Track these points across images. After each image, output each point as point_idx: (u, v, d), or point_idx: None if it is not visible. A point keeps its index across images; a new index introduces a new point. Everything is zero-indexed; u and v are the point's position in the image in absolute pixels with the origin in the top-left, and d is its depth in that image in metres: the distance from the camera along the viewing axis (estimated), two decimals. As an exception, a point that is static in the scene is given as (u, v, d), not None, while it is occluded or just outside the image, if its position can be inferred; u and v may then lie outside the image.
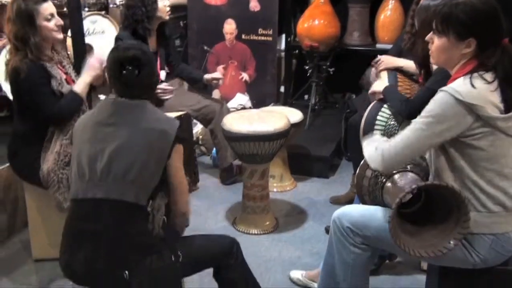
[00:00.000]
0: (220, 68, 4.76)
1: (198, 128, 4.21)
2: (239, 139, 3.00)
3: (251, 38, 4.63)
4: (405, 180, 2.10)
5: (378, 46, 4.37)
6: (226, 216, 3.40)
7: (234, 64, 4.73)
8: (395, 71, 3.03)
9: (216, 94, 4.82)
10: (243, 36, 4.66)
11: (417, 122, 1.89)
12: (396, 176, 2.13)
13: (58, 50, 2.74)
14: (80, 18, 3.24)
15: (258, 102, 4.62)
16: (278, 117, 3.12)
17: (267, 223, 3.23)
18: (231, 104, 4.56)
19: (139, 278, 1.84)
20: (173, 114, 3.39)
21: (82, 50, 3.17)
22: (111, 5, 4.68)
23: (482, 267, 1.95)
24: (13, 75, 2.50)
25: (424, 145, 1.89)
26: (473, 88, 1.83)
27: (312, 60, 4.41)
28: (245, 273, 2.19)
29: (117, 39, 3.49)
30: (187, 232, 3.14)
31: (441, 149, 1.93)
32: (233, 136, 3.02)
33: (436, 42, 1.96)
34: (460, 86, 1.84)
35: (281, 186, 3.74)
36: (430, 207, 2.05)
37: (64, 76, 2.64)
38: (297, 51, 4.74)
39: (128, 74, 1.91)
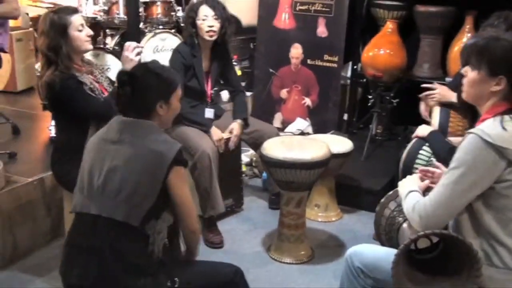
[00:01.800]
0: (284, 91, 4.75)
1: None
2: (275, 165, 2.96)
3: (316, 63, 4.59)
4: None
5: (448, 79, 4.17)
6: (263, 242, 3.36)
7: (298, 88, 4.71)
8: (448, 108, 2.89)
9: (278, 117, 4.82)
10: (308, 61, 4.63)
11: (449, 176, 1.77)
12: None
13: (88, 61, 2.86)
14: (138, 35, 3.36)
15: (319, 128, 4.56)
16: (319, 146, 3.05)
17: (302, 252, 3.15)
18: (289, 129, 4.54)
19: None
20: (221, 135, 3.44)
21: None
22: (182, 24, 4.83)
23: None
24: (48, 89, 2.63)
25: (461, 200, 1.77)
26: (504, 130, 1.70)
27: (375, 90, 4.29)
28: None
29: (175, 50, 3.56)
30: (217, 253, 3.18)
31: None
32: (269, 161, 2.99)
33: (468, 75, 1.86)
34: (489, 127, 1.73)
35: (326, 216, 3.64)
36: (446, 257, 1.92)
37: (96, 84, 2.74)
38: (363, 79, 4.63)
39: (122, 95, 1.97)
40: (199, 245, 2.17)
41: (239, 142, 3.61)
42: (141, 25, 4.78)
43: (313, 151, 2.96)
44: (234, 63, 4.98)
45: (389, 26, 4.19)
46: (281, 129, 4.67)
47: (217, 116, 3.69)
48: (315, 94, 4.64)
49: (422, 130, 2.66)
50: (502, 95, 1.79)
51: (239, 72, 5.10)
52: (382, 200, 2.16)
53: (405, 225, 2.01)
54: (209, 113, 3.61)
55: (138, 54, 2.77)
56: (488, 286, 1.77)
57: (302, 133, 4.43)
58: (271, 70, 4.74)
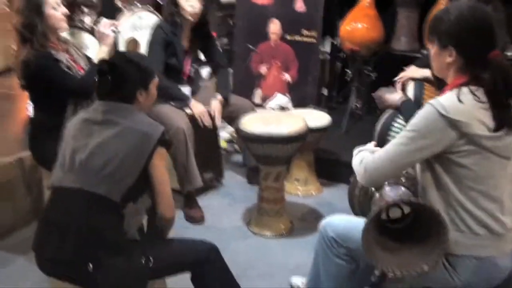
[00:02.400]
0: (263, 67, 4.75)
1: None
2: (252, 140, 2.99)
3: (295, 39, 4.58)
4: (394, 193, 2.02)
5: (424, 52, 4.20)
6: (243, 216, 3.41)
7: (277, 64, 4.70)
8: (422, 82, 2.92)
9: (258, 93, 4.81)
10: (287, 37, 4.62)
11: (400, 136, 1.82)
12: (387, 189, 2.05)
13: (64, 39, 2.85)
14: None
15: (299, 103, 4.56)
16: (296, 120, 3.08)
17: (281, 226, 3.20)
18: (269, 104, 4.55)
19: (104, 273, 1.86)
20: (202, 108, 3.45)
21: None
22: (162, 2, 4.79)
23: (465, 291, 1.84)
24: (24, 68, 2.62)
25: (406, 161, 1.82)
26: (460, 103, 1.74)
27: (354, 64, 4.32)
28: (223, 281, 2.16)
29: (157, 26, 3.55)
30: (198, 228, 3.22)
31: (427, 165, 1.85)
32: (247, 136, 3.02)
33: (430, 50, 1.89)
34: (446, 100, 1.76)
35: (306, 190, 3.69)
36: (417, 225, 1.97)
37: (72, 63, 2.74)
38: (342, 54, 4.65)
39: (102, 83, 2.00)
40: (170, 230, 2.17)
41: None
42: (119, 3, 4.75)
43: (290, 126, 2.99)
44: (213, 40, 4.98)
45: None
46: (261, 105, 4.69)
47: (193, 92, 3.70)
48: (295, 70, 4.64)
49: (394, 97, 2.65)
50: (458, 67, 1.80)
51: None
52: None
53: (377, 194, 2.05)
54: (185, 90, 3.62)
55: (114, 30, 2.76)
56: (453, 251, 1.82)
57: (282, 109, 4.45)
58: (250, 46, 4.72)
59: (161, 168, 2.00)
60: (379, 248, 1.88)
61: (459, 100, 1.74)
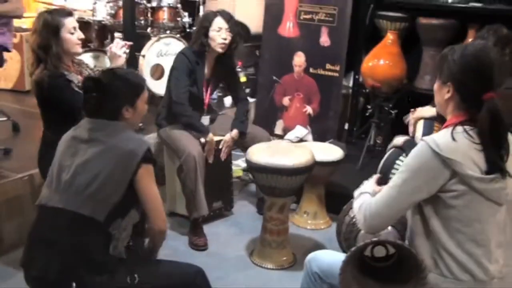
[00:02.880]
0: (286, 99, 4.78)
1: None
2: (257, 170, 3.00)
3: (319, 72, 4.61)
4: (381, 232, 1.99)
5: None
6: (247, 246, 3.39)
7: (300, 96, 4.73)
8: (432, 120, 2.88)
9: (279, 124, 4.84)
10: (311, 70, 4.65)
11: (395, 178, 1.80)
12: (373, 227, 2.02)
13: (78, 61, 2.94)
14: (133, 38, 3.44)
15: (320, 137, 4.57)
16: (303, 153, 3.07)
17: (283, 258, 3.17)
18: (288, 136, 4.56)
19: None
20: (216, 138, 3.49)
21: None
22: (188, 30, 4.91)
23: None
24: (37, 88, 2.72)
25: (404, 203, 1.79)
26: (454, 141, 1.72)
27: (375, 100, 4.29)
28: None
29: (180, 53, 3.59)
30: (200, 255, 3.21)
31: (417, 209, 1.82)
32: (252, 166, 3.02)
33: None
34: (440, 137, 1.74)
35: (315, 223, 3.65)
36: (399, 266, 1.92)
37: None
38: (364, 89, 4.63)
39: (88, 100, 2.05)
40: (161, 245, 2.18)
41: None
42: (148, 29, 4.90)
43: (296, 158, 2.98)
44: (239, 69, 5.05)
45: (390, 37, 4.20)
46: (282, 136, 4.71)
47: (212, 120, 3.75)
48: (316, 103, 4.65)
49: (397, 140, 2.65)
50: (456, 105, 1.80)
51: (244, 79, 5.17)
52: (344, 207, 2.17)
53: (362, 232, 2.02)
54: (204, 120, 3.67)
55: (125, 52, 2.84)
56: (435, 296, 1.77)
57: (300, 141, 4.45)
58: (274, 77, 4.78)
59: (149, 184, 2.01)
60: (357, 286, 1.85)
61: (453, 139, 1.72)
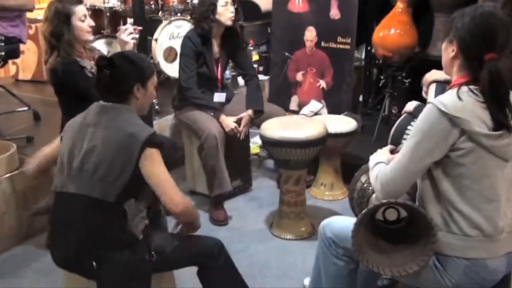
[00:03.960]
0: (299, 74, 4.81)
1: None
2: (271, 144, 3.06)
3: (330, 46, 4.61)
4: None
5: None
6: (266, 219, 3.47)
7: (313, 71, 4.75)
8: (444, 83, 2.89)
9: (294, 100, 4.87)
10: (322, 44, 4.65)
11: (407, 143, 1.84)
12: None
13: (90, 47, 3.01)
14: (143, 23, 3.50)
15: (334, 110, 4.58)
16: (315, 125, 3.12)
17: (302, 229, 3.24)
18: (303, 111, 4.59)
19: (107, 269, 1.96)
20: (232, 119, 3.56)
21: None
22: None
23: (456, 293, 1.84)
24: (52, 75, 2.80)
25: (417, 166, 1.82)
26: (459, 100, 1.75)
27: (387, 71, 4.30)
28: (227, 276, 2.23)
29: (186, 37, 3.65)
30: (221, 230, 3.30)
31: (427, 173, 1.86)
32: (266, 141, 3.09)
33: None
34: (446, 98, 1.78)
35: (332, 195, 3.72)
36: (410, 227, 1.97)
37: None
38: (377, 60, 4.64)
39: (101, 78, 2.08)
40: (198, 218, 2.21)
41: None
42: (160, 13, 4.95)
43: (308, 130, 3.04)
44: (251, 48, 5.09)
45: (399, 6, 4.19)
46: (297, 112, 4.74)
47: (227, 100, 3.80)
48: (330, 76, 4.67)
49: (409, 105, 2.67)
50: (460, 65, 1.83)
51: (256, 57, 5.21)
52: (356, 174, 2.22)
53: (374, 196, 2.07)
54: (220, 97, 3.71)
55: (133, 38, 2.89)
56: (444, 252, 1.82)
57: (315, 115, 4.48)
58: (286, 53, 4.80)
59: (155, 168, 2.01)
60: (370, 248, 1.91)
61: (459, 98, 1.76)
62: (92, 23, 2.95)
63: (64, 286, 2.24)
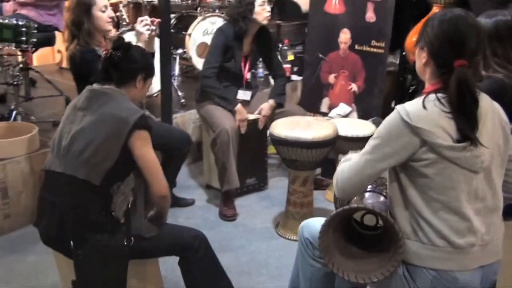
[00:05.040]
0: (332, 76, 4.77)
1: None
2: (278, 143, 3.05)
3: (364, 49, 4.55)
4: (372, 201, 2.01)
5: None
6: (274, 219, 3.46)
7: (345, 74, 4.70)
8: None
9: (325, 102, 4.84)
10: (356, 47, 4.60)
11: (367, 145, 1.81)
12: (367, 195, 2.06)
13: (111, 38, 3.09)
14: (168, 18, 3.58)
15: (365, 114, 4.53)
16: (325, 127, 3.09)
17: (307, 231, 3.21)
18: (331, 114, 4.55)
19: (84, 251, 2.03)
20: (250, 117, 3.58)
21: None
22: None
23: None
24: (70, 62, 2.92)
25: (372, 170, 1.80)
26: (424, 109, 1.70)
27: (417, 77, 4.19)
28: (207, 268, 2.26)
29: (219, 29, 3.71)
30: (228, 225, 3.33)
31: (394, 177, 1.83)
32: (273, 139, 3.09)
33: None
34: (411, 106, 1.74)
35: (347, 199, 3.65)
36: (386, 235, 1.93)
37: None
38: (411, 66, 4.54)
39: (111, 57, 2.17)
40: (168, 209, 2.26)
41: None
42: (198, 9, 5.03)
43: (316, 131, 3.02)
44: (285, 48, 5.09)
45: (435, 10, 4.08)
46: (327, 114, 4.71)
47: (253, 96, 3.82)
48: (361, 80, 4.61)
49: None
50: (432, 72, 1.77)
51: (291, 57, 5.19)
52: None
53: (355, 198, 2.04)
54: (244, 95, 3.75)
55: (150, 29, 2.96)
56: (413, 262, 1.77)
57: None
58: (320, 55, 4.77)
59: (144, 150, 2.07)
60: (338, 251, 1.88)
61: (424, 107, 1.70)
62: (112, 14, 3.05)
63: (56, 262, 2.32)
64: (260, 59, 4.17)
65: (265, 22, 3.61)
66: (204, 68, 3.60)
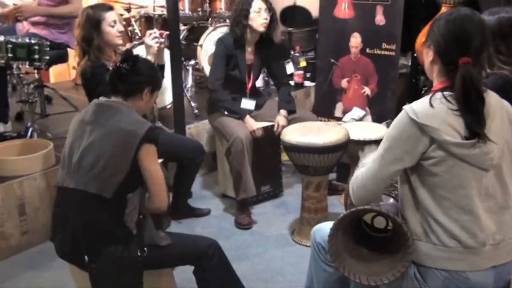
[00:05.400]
0: (344, 81, 4.76)
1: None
2: (289, 149, 3.06)
3: (375, 52, 4.54)
4: (382, 203, 2.00)
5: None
6: (290, 226, 3.46)
7: (357, 77, 4.68)
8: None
9: (339, 107, 4.82)
10: (367, 50, 4.58)
11: (379, 149, 1.81)
12: (376, 198, 2.03)
13: (120, 52, 3.13)
14: (177, 30, 3.61)
15: (379, 117, 4.50)
16: (336, 132, 3.08)
17: (323, 237, 3.20)
18: (345, 118, 4.53)
19: (98, 264, 2.05)
20: (260, 124, 3.59)
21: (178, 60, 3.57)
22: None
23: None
24: (82, 78, 2.97)
25: (387, 173, 1.80)
26: (431, 107, 1.70)
27: (428, 78, 4.16)
28: (221, 276, 2.27)
29: (218, 39, 3.73)
30: (244, 233, 3.33)
31: (405, 178, 1.82)
32: (285, 146, 3.09)
33: None
34: (418, 105, 1.74)
35: (362, 203, 3.63)
36: (396, 236, 1.92)
37: None
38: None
39: (119, 69, 2.19)
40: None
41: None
42: (209, 20, 5.07)
43: (327, 136, 3.01)
44: (297, 54, 5.09)
45: (444, 11, 4.05)
46: (341, 119, 4.69)
47: (258, 106, 3.83)
48: (374, 83, 4.59)
49: None
50: (439, 70, 1.77)
51: (303, 63, 5.20)
52: (349, 178, 2.19)
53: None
54: (247, 104, 3.75)
55: (158, 42, 3.00)
56: (424, 263, 1.76)
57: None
58: (332, 60, 4.76)
59: (150, 163, 2.10)
60: (348, 254, 1.88)
61: (431, 105, 1.70)
62: (122, 28, 3.09)
63: (72, 275, 2.35)
64: (264, 69, 4.16)
65: (260, 29, 3.57)
66: (210, 81, 3.64)
